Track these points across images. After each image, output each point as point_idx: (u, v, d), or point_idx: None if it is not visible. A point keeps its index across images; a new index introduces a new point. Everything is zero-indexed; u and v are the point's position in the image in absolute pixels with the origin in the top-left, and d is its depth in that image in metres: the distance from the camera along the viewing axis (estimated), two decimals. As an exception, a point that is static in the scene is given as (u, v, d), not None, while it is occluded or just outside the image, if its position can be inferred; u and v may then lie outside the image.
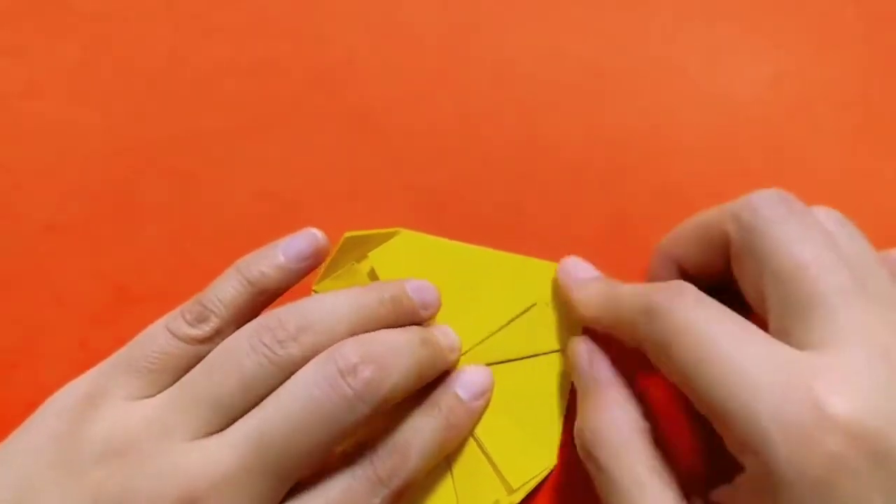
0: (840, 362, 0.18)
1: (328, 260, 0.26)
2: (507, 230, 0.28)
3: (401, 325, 0.24)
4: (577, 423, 0.23)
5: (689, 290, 0.20)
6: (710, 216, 0.22)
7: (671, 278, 0.24)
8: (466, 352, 0.26)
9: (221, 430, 0.20)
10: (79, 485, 0.19)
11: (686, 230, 0.23)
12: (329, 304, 0.22)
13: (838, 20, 0.30)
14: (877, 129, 0.29)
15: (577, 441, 0.22)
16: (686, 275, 0.24)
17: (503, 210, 0.28)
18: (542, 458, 0.25)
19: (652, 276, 0.25)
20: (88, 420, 0.20)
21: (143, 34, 0.30)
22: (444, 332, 0.25)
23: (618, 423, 0.21)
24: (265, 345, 0.21)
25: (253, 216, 0.28)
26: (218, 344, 0.22)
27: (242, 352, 0.21)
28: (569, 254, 0.27)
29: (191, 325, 0.22)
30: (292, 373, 0.21)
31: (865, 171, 0.29)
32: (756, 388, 0.18)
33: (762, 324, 0.20)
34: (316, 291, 0.26)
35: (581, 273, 0.25)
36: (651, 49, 0.30)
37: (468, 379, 0.25)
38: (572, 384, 0.25)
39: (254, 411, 0.20)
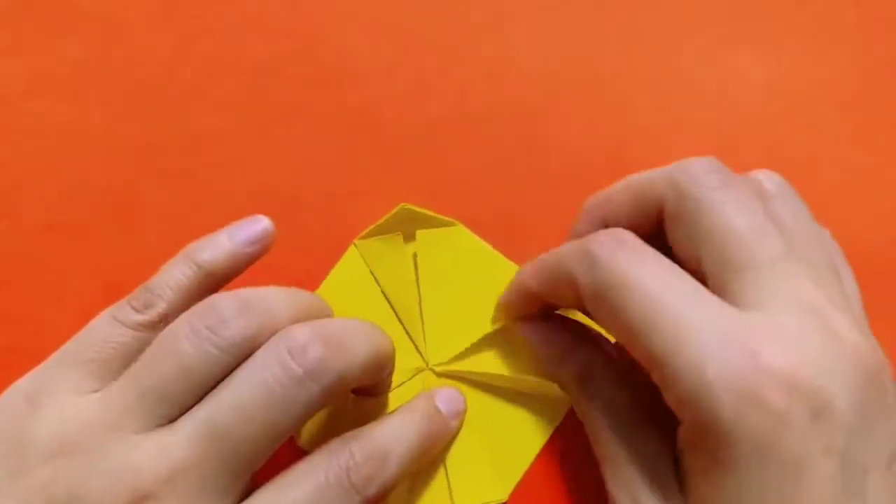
0: (776, 322, 0.18)
1: (378, 222, 0.26)
2: (507, 230, 0.28)
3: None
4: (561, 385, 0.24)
5: (629, 237, 0.20)
6: (644, 179, 0.22)
7: (530, 305, 0.24)
8: (467, 350, 0.26)
9: (172, 421, 0.20)
10: (26, 486, 0.19)
11: (618, 192, 0.23)
12: (271, 296, 0.21)
13: (838, 20, 0.30)
14: (877, 129, 0.29)
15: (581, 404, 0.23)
16: (549, 305, 0.24)
17: (503, 210, 0.28)
18: (495, 490, 0.25)
19: (575, 228, 0.24)
20: (33, 418, 0.20)
21: (143, 34, 0.30)
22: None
23: (601, 375, 0.23)
24: (206, 327, 0.20)
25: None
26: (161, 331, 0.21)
27: (181, 335, 0.20)
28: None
29: (137, 311, 0.21)
30: (235, 357, 0.20)
31: (865, 171, 0.29)
32: (701, 344, 0.18)
33: None
34: (356, 246, 0.26)
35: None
36: (651, 49, 0.30)
37: (447, 395, 0.25)
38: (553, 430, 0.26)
39: (204, 400, 0.20)
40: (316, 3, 0.30)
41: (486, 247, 0.27)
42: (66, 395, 0.20)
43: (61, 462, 0.19)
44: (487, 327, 0.26)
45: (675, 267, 0.20)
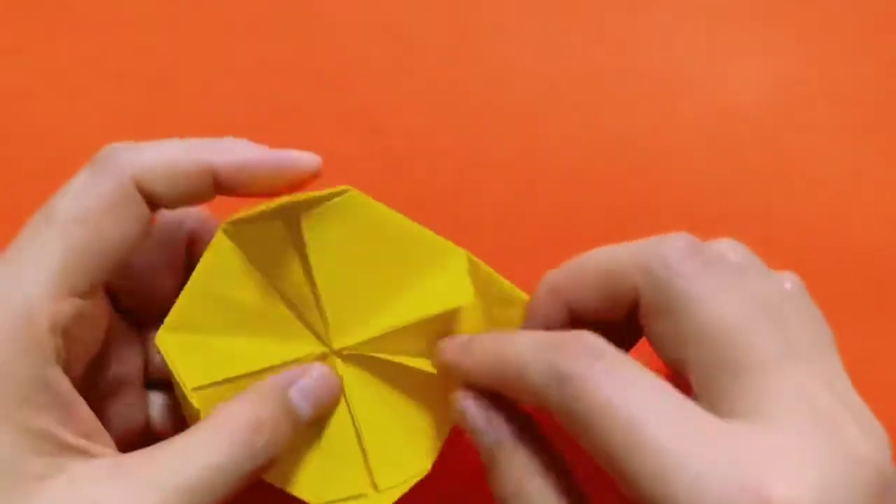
0: (780, 439, 0.16)
1: (255, 209, 0.22)
2: (507, 230, 0.28)
3: None
4: (499, 490, 0.20)
5: (605, 348, 0.18)
6: (614, 263, 0.20)
7: (559, 317, 0.21)
8: (380, 336, 0.23)
9: None
10: None
11: (585, 274, 0.21)
12: None
13: (838, 20, 0.30)
14: (877, 129, 0.29)
15: (498, 498, 0.20)
16: (576, 316, 0.21)
17: (503, 210, 0.28)
18: (415, 465, 0.23)
19: (535, 310, 0.22)
20: None
21: (143, 34, 0.30)
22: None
23: (538, 483, 0.19)
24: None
25: (253, 216, 0.28)
26: None
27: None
28: (568, 254, 0.27)
29: None
30: None
31: (865, 171, 0.29)
32: (695, 479, 0.15)
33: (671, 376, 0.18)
34: (224, 231, 0.22)
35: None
36: (651, 50, 0.30)
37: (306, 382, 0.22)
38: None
39: None
40: (316, 3, 0.30)
41: (386, 210, 0.23)
42: None
43: None
44: (397, 301, 0.23)
45: (660, 382, 0.17)
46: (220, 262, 0.22)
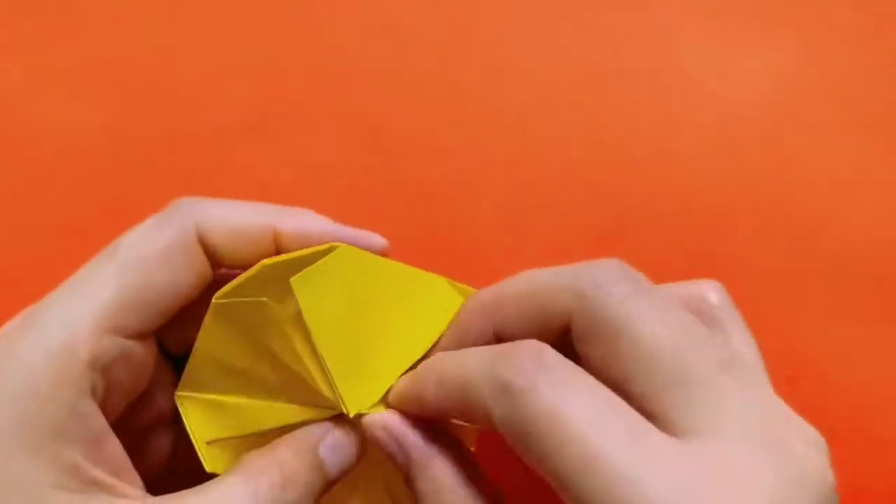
0: (723, 454, 0.16)
1: (237, 281, 0.21)
2: (507, 231, 0.28)
3: None
4: (415, 495, 0.19)
5: (551, 356, 0.17)
6: (543, 289, 0.19)
7: (486, 338, 0.21)
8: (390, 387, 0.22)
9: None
10: None
11: (512, 299, 0.20)
12: None
13: (838, 20, 0.30)
14: (877, 129, 0.29)
15: None
16: (504, 339, 0.20)
17: (502, 210, 0.28)
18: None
19: (462, 330, 0.21)
20: None
21: (142, 34, 0.30)
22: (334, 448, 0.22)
23: (452, 497, 0.19)
24: None
25: (253, 216, 0.28)
26: None
27: None
28: (568, 254, 0.27)
29: None
30: None
31: (866, 171, 0.29)
32: (648, 492, 0.15)
33: None
34: (216, 307, 0.21)
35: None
36: (651, 49, 0.30)
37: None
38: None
39: None
40: (316, 3, 0.30)
41: (380, 259, 0.22)
42: None
43: None
44: (399, 343, 0.22)
45: (609, 393, 0.17)
46: (215, 334, 0.22)
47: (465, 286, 0.23)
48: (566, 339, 0.19)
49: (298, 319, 0.21)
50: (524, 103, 0.29)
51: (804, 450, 0.16)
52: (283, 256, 0.21)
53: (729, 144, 0.29)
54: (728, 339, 0.19)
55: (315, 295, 0.21)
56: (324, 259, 0.21)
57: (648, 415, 0.17)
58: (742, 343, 0.19)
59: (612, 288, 0.18)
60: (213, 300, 0.21)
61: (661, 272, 0.27)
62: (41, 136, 0.29)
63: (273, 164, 0.29)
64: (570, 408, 0.16)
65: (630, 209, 0.28)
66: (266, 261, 0.21)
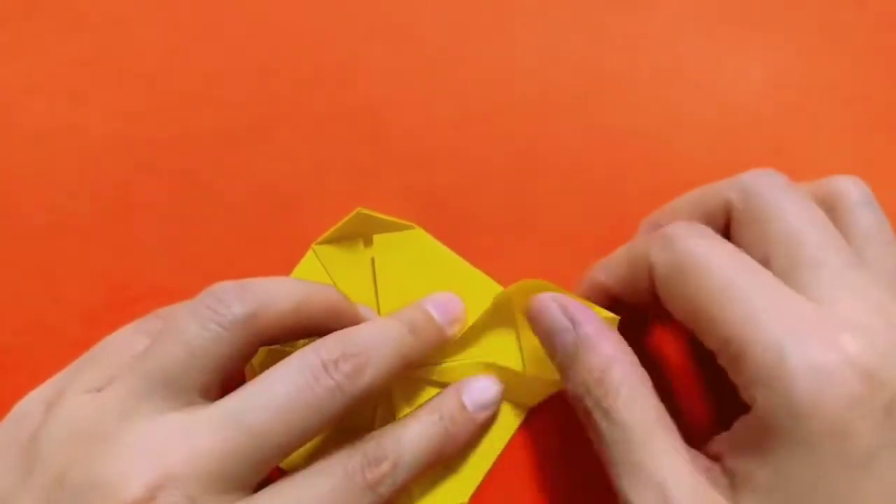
0: (849, 315, 0.19)
1: (335, 226, 0.26)
2: (507, 230, 0.28)
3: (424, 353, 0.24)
4: (573, 377, 0.22)
5: (706, 228, 0.21)
6: (708, 189, 0.23)
7: (600, 302, 0.24)
8: (434, 365, 0.26)
9: (189, 405, 0.20)
10: (41, 479, 0.19)
11: (680, 204, 0.24)
12: (272, 281, 0.22)
13: (838, 20, 0.30)
14: (877, 129, 0.29)
15: (578, 394, 0.21)
16: (618, 300, 0.24)
17: (503, 210, 0.28)
18: (455, 494, 0.25)
19: (644, 226, 0.25)
20: (45, 420, 0.20)
21: (142, 34, 0.30)
22: (443, 306, 0.25)
23: (625, 370, 0.21)
24: (206, 307, 0.20)
25: (252, 216, 0.28)
26: None
27: (182, 318, 0.20)
28: (568, 255, 0.27)
29: (158, 316, 0.22)
30: (238, 335, 0.20)
31: (866, 171, 0.28)
32: (779, 327, 0.18)
33: None
34: (315, 251, 0.26)
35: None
36: (651, 50, 0.30)
37: (476, 388, 0.25)
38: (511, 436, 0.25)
39: (235, 393, 0.20)
40: (316, 3, 0.30)
41: (445, 250, 0.27)
42: (76, 395, 0.21)
43: (75, 450, 0.19)
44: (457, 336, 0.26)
45: (752, 259, 0.20)
46: (308, 275, 0.26)
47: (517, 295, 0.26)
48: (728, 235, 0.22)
49: (372, 266, 0.26)
50: (524, 103, 0.29)
51: None
52: (374, 213, 0.26)
53: (729, 144, 0.29)
54: (860, 234, 0.22)
55: (387, 256, 0.26)
56: (403, 232, 0.27)
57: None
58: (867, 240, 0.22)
59: (768, 180, 0.22)
60: (314, 246, 0.27)
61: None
62: (41, 136, 0.29)
63: (273, 164, 0.29)
64: (717, 256, 0.20)
65: (630, 209, 0.28)
66: (361, 209, 0.26)
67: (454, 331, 0.25)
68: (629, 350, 0.22)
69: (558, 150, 0.29)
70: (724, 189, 0.22)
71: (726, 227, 0.22)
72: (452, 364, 0.26)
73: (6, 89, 0.29)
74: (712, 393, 0.26)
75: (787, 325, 0.18)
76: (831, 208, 0.22)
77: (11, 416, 0.21)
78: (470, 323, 0.26)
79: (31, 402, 0.21)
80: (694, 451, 0.20)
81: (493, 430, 0.26)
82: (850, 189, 0.22)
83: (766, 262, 0.20)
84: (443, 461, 0.24)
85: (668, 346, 0.27)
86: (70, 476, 0.19)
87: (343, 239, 0.27)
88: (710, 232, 0.21)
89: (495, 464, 0.26)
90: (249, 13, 0.30)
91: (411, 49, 0.30)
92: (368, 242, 0.27)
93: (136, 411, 0.19)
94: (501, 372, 0.25)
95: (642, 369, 0.21)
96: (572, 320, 0.22)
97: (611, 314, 0.24)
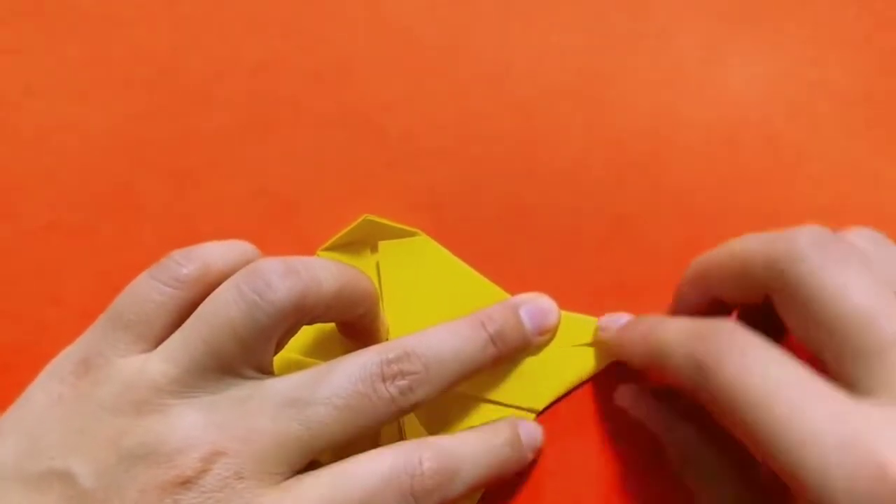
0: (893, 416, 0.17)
1: (341, 232, 0.26)
2: (507, 230, 0.28)
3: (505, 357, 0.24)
4: (686, 352, 0.21)
5: (738, 335, 0.19)
6: (744, 259, 0.21)
7: (703, 302, 0.23)
8: None
9: (239, 380, 0.20)
10: (94, 440, 0.19)
11: (724, 261, 0.22)
12: (318, 264, 0.22)
13: (838, 20, 0.30)
14: (877, 129, 0.29)
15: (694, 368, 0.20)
16: (721, 301, 0.23)
17: (503, 210, 0.28)
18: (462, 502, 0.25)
19: (682, 296, 0.24)
20: (91, 381, 0.20)
21: (142, 34, 0.30)
22: (530, 432, 0.25)
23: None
24: (252, 291, 0.20)
25: (253, 216, 0.28)
26: (200, 291, 0.21)
27: (230, 301, 0.20)
28: (568, 254, 0.27)
29: (177, 263, 0.22)
30: (282, 322, 0.20)
31: (866, 172, 0.29)
32: (823, 446, 0.17)
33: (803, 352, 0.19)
34: (320, 257, 0.26)
35: (618, 323, 0.25)
36: (651, 49, 0.30)
37: (529, 428, 0.25)
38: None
39: (298, 378, 0.20)
40: (316, 3, 0.30)
41: (451, 257, 0.27)
42: (118, 358, 0.21)
43: (131, 419, 0.19)
44: None
45: (784, 355, 0.19)
46: None
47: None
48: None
49: (377, 273, 0.26)
50: (524, 103, 0.29)
51: None
52: (380, 219, 0.27)
53: (729, 144, 0.29)
54: None
55: (392, 262, 0.26)
56: (408, 238, 0.27)
57: (839, 376, 0.18)
58: None
59: (804, 260, 0.19)
60: (318, 252, 0.27)
61: (661, 271, 0.27)
62: (41, 136, 0.29)
63: (273, 164, 0.29)
64: (755, 378, 0.18)
65: (630, 209, 0.28)
66: (367, 215, 0.26)
67: (542, 341, 0.25)
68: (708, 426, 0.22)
69: (558, 150, 0.29)
70: (759, 266, 0.20)
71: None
72: None
73: (6, 89, 0.29)
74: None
75: (829, 445, 0.17)
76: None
77: (50, 375, 0.21)
78: None
79: (68, 361, 0.21)
80: None
81: None
82: (858, 242, 0.21)
83: (818, 352, 0.19)
84: (486, 485, 0.24)
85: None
86: (125, 441, 0.19)
87: (349, 245, 0.27)
88: (742, 341, 0.19)
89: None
90: (249, 13, 0.30)
91: (411, 49, 0.30)
92: (374, 249, 0.27)
93: (190, 387, 0.20)
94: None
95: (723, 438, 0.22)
96: (651, 412, 0.24)
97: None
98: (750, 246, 0.21)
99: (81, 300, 0.27)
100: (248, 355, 0.20)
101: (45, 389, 0.21)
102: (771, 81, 0.30)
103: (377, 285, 0.26)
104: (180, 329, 0.21)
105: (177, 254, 0.22)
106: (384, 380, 0.21)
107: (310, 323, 0.22)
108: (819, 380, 0.18)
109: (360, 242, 0.27)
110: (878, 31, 0.30)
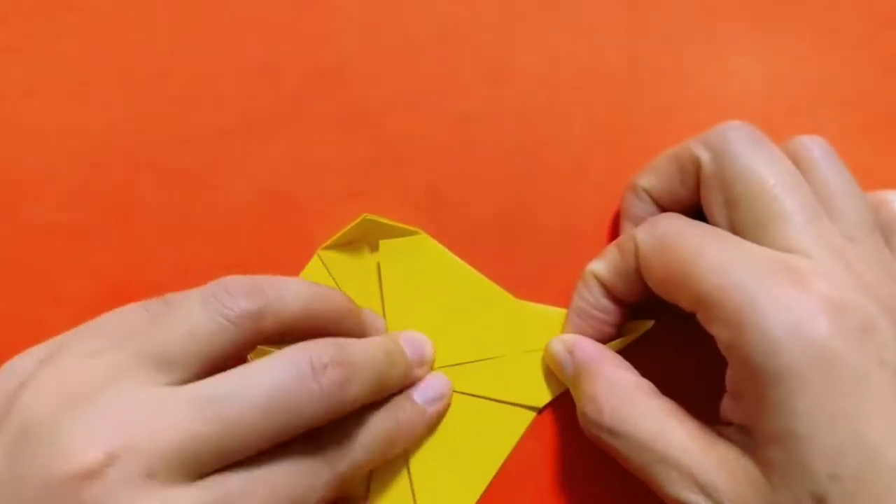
0: (814, 262, 0.20)
1: (341, 231, 0.26)
2: (507, 230, 0.28)
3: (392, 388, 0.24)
4: (578, 410, 0.23)
5: (676, 216, 0.23)
6: (682, 147, 0.24)
7: (645, 210, 0.25)
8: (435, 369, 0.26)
9: (171, 384, 0.20)
10: (9, 427, 0.19)
11: (659, 163, 0.25)
12: (284, 282, 0.23)
13: (838, 20, 0.30)
14: (877, 130, 0.29)
15: (583, 424, 0.23)
16: (660, 208, 0.25)
17: (503, 210, 0.28)
18: (460, 499, 0.25)
19: (626, 210, 0.26)
20: (34, 375, 0.20)
21: (142, 34, 0.30)
22: (415, 344, 0.25)
23: (616, 385, 0.22)
24: (214, 297, 0.21)
25: (253, 216, 0.28)
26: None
27: (192, 302, 0.21)
28: (568, 254, 0.27)
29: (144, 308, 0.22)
30: (243, 331, 0.20)
31: (865, 172, 0.28)
32: (744, 267, 0.20)
33: None
34: (320, 256, 0.26)
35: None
36: (651, 49, 0.30)
37: (425, 384, 0.25)
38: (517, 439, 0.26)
39: (216, 378, 0.20)
40: (316, 3, 0.30)
41: (451, 256, 0.27)
42: (69, 357, 0.20)
43: (50, 407, 0.19)
44: (452, 338, 0.26)
45: (721, 229, 0.22)
46: (316, 279, 0.26)
47: (526, 302, 0.27)
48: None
49: (377, 272, 0.26)
50: (524, 103, 0.29)
51: (879, 283, 0.20)
52: (380, 218, 0.26)
53: (729, 144, 0.29)
54: (823, 187, 0.22)
55: (393, 261, 0.26)
56: (408, 238, 0.27)
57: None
58: (833, 184, 0.23)
59: (734, 138, 0.22)
60: (318, 252, 0.27)
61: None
62: (41, 136, 0.29)
63: (273, 164, 0.29)
64: (691, 227, 0.22)
65: (630, 209, 0.28)
66: (366, 215, 0.26)
67: (420, 374, 0.25)
68: (623, 365, 0.23)
69: (558, 150, 0.29)
70: (694, 147, 0.23)
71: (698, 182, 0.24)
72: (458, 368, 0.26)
73: (6, 89, 0.29)
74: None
75: (753, 271, 0.19)
76: (795, 165, 0.23)
77: (4, 368, 0.21)
78: (474, 326, 0.26)
79: (26, 358, 0.21)
80: (713, 427, 0.21)
81: (500, 434, 0.26)
82: (811, 146, 0.23)
83: (731, 225, 0.22)
84: (397, 449, 0.24)
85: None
86: (35, 429, 0.19)
87: (348, 244, 0.27)
88: (677, 216, 0.23)
89: (501, 468, 0.26)
90: (249, 13, 0.30)
91: (411, 49, 0.30)
92: (374, 248, 0.27)
93: (121, 381, 0.19)
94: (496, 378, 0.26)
95: (640, 378, 0.23)
96: (572, 351, 0.24)
97: (645, 322, 0.25)
98: (684, 142, 0.24)
99: (81, 300, 0.27)
100: (195, 362, 0.20)
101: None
102: (771, 81, 0.30)
103: (377, 285, 0.26)
104: (137, 331, 0.21)
105: (161, 300, 0.22)
106: (313, 370, 0.20)
107: (272, 342, 0.22)
108: (738, 237, 0.21)
109: (360, 242, 0.27)
110: (878, 31, 0.30)
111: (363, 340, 0.23)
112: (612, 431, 0.21)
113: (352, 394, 0.21)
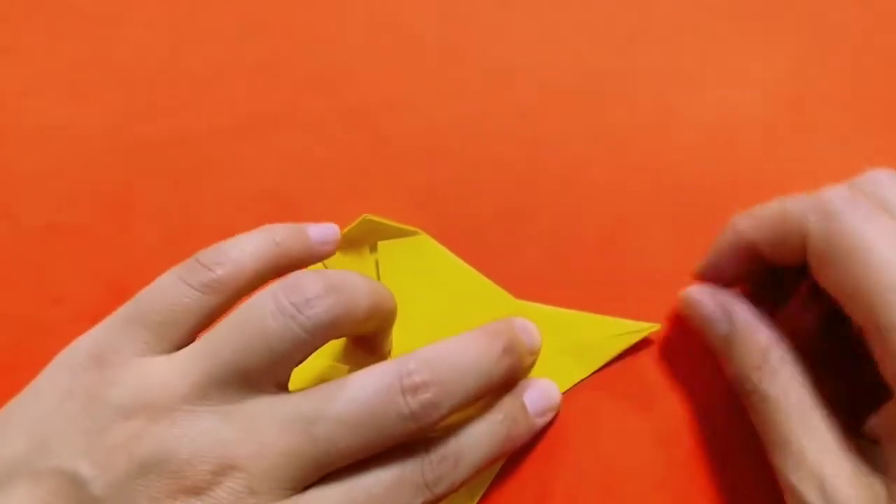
0: None
1: (341, 232, 0.26)
2: (507, 230, 0.28)
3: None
4: (733, 370, 0.23)
5: (863, 202, 0.20)
6: (788, 206, 0.22)
7: (741, 259, 0.24)
8: None
9: (257, 395, 0.20)
10: (103, 444, 0.19)
11: (764, 216, 0.23)
12: (354, 280, 0.22)
13: (838, 20, 0.30)
14: (876, 129, 0.29)
15: (738, 382, 0.23)
16: (760, 258, 0.23)
17: (503, 210, 0.28)
18: (461, 501, 0.25)
19: (717, 253, 0.24)
20: (103, 378, 0.20)
21: (142, 34, 0.30)
22: (527, 330, 0.24)
23: (782, 354, 0.22)
24: (291, 304, 0.20)
25: (253, 216, 0.28)
26: (230, 297, 0.21)
27: (267, 312, 0.20)
28: (568, 254, 0.27)
29: (206, 267, 0.21)
30: (317, 339, 0.20)
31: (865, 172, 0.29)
32: None
33: None
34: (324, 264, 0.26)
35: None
36: (651, 49, 0.30)
37: (538, 393, 0.24)
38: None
39: (309, 394, 0.20)
40: (316, 3, 0.30)
41: (451, 256, 0.27)
42: (135, 357, 0.20)
43: (143, 423, 0.19)
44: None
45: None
46: None
47: (526, 302, 0.26)
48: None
49: (377, 273, 0.26)
50: (524, 103, 0.29)
51: None
52: (380, 219, 0.26)
53: (729, 144, 0.29)
54: None
55: (392, 261, 0.26)
56: (407, 238, 0.27)
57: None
58: None
59: (841, 213, 0.20)
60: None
61: (661, 272, 0.27)
62: (41, 136, 0.29)
63: (273, 164, 0.29)
64: (869, 233, 0.20)
65: (630, 209, 0.28)
66: (366, 215, 0.26)
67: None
68: (783, 336, 0.22)
69: (558, 150, 0.29)
70: (798, 220, 0.21)
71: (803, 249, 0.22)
72: None
73: (6, 89, 0.29)
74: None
75: None
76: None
77: (60, 367, 0.21)
78: (473, 326, 0.26)
79: (80, 355, 0.20)
80: (852, 435, 0.21)
81: None
82: (886, 182, 0.22)
83: (854, 313, 0.20)
84: (497, 463, 0.24)
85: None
86: (136, 448, 0.19)
87: (348, 244, 0.27)
88: (864, 205, 0.20)
89: (501, 468, 0.26)
90: (249, 13, 0.30)
91: (411, 49, 0.30)
92: (374, 248, 0.27)
93: (208, 395, 0.19)
94: None
95: (796, 353, 0.22)
96: (726, 310, 0.23)
97: (650, 324, 0.25)
98: (793, 200, 0.22)
99: (81, 300, 0.27)
100: (274, 369, 0.20)
101: (55, 382, 0.20)
102: (771, 81, 0.30)
103: None
104: (207, 334, 0.20)
105: (205, 255, 0.21)
106: (404, 394, 0.20)
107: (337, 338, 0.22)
108: None
109: (360, 242, 0.27)
110: (878, 31, 0.30)
111: (470, 344, 0.22)
112: (764, 397, 0.22)
113: (441, 413, 0.21)
